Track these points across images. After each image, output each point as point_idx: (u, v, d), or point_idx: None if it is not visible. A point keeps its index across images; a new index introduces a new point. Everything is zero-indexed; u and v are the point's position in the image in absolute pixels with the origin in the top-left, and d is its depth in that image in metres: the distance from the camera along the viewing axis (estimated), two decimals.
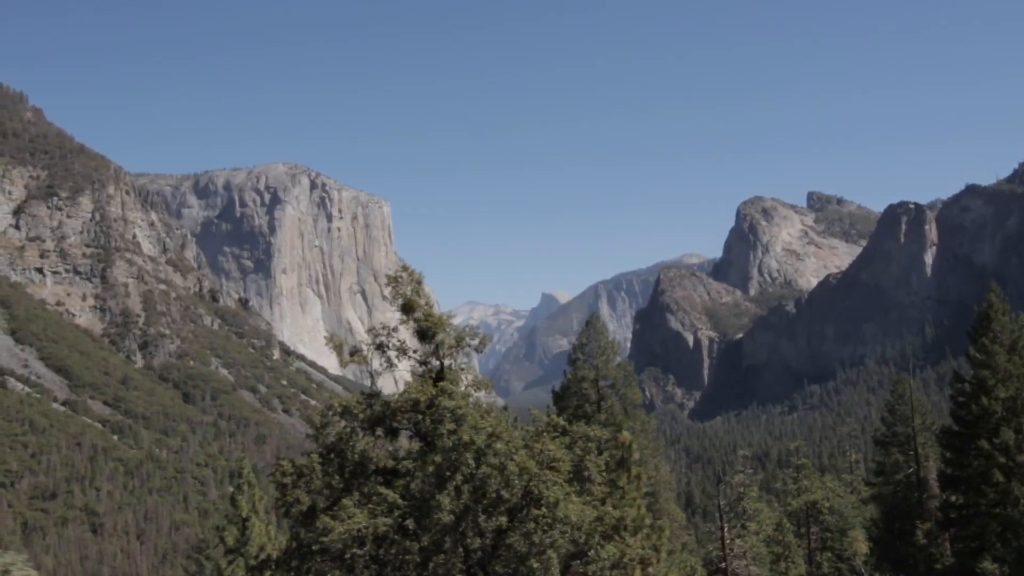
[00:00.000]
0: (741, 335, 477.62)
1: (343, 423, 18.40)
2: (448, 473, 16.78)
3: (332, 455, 18.29)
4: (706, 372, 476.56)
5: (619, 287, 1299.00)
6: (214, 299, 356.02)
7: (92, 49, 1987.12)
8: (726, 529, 50.36)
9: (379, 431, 18.16)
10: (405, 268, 18.57)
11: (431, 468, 16.81)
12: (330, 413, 18.34)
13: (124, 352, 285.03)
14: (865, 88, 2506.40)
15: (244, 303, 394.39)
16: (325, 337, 20.33)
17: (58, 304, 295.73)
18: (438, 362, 18.49)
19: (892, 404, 58.53)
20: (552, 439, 17.65)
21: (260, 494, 39.67)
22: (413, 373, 19.94)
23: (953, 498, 38.02)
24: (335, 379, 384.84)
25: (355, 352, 18.55)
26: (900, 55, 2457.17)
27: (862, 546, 38.51)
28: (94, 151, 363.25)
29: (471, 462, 16.73)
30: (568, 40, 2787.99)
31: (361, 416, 18.22)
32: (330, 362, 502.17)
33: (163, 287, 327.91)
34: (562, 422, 18.26)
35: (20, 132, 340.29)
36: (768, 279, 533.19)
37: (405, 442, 18.87)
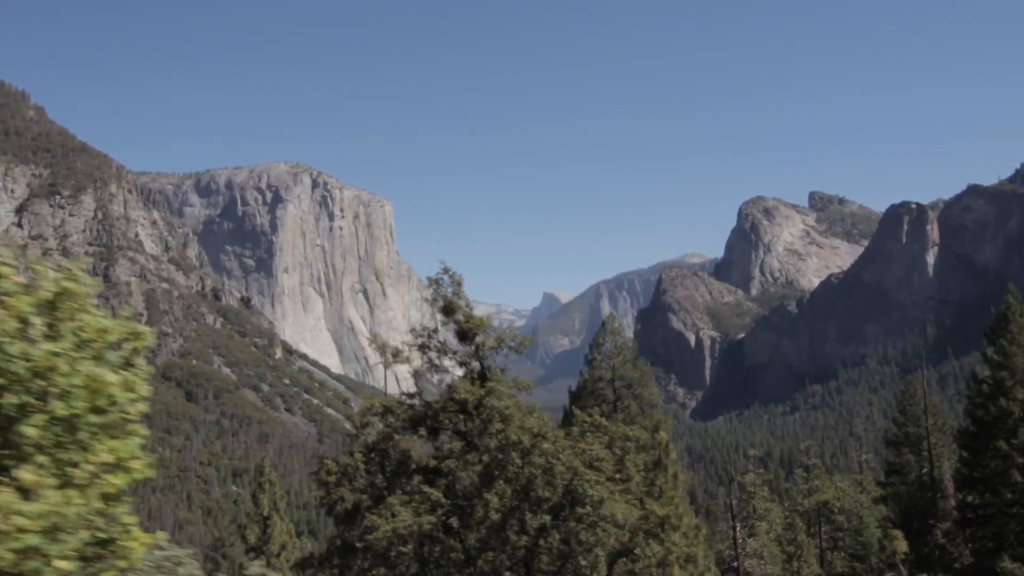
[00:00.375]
0: (743, 335, 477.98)
1: (383, 423, 18.61)
2: (496, 472, 17.01)
3: (373, 454, 18.51)
4: (708, 372, 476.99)
5: (620, 287, 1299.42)
6: (216, 298, 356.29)
7: (94, 48, 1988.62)
8: (738, 528, 50.64)
9: (421, 431, 18.39)
10: (446, 270, 18.80)
11: (479, 467, 17.04)
12: (370, 413, 18.54)
13: None
14: (866, 88, 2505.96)
15: (246, 302, 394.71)
16: (368, 338, 20.50)
17: None
18: (478, 363, 18.71)
19: (903, 405, 58.73)
20: (596, 439, 17.90)
21: (281, 493, 39.92)
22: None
23: (970, 498, 38.24)
24: (337, 378, 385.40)
25: (397, 354, 18.77)
26: (901, 55, 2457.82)
27: (901, 544, 38.66)
28: (96, 149, 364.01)
29: (518, 461, 16.97)
30: (568, 40, 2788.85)
31: (403, 416, 18.44)
32: (332, 361, 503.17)
33: (165, 286, 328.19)
34: (604, 422, 18.50)
35: (22, 131, 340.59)
36: (770, 279, 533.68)
37: (445, 441, 19.07)
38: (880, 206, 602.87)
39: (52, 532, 4.38)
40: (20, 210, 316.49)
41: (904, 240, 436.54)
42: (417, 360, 18.70)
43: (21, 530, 4.25)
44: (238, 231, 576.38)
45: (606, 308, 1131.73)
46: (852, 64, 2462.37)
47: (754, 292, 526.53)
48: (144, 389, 5.15)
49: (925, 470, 50.50)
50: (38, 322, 4.83)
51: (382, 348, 19.15)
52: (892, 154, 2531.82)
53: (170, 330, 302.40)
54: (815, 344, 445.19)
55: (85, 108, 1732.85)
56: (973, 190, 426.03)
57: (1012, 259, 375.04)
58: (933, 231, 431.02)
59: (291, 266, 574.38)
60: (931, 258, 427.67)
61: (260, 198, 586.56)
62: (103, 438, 4.83)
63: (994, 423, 37.18)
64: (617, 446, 18.13)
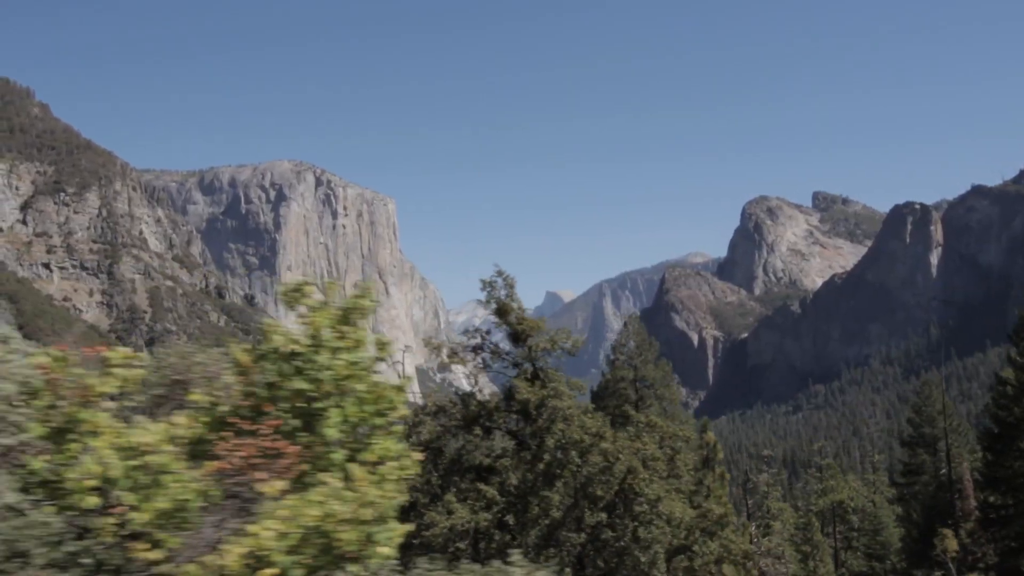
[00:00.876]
0: (746, 335, 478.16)
1: (436, 422, 18.90)
2: (558, 471, 17.32)
3: (427, 452, 18.78)
4: (711, 372, 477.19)
5: (623, 286, 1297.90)
6: (220, 295, 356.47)
7: (98, 46, 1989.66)
8: (753, 528, 50.94)
9: (476, 430, 18.68)
10: (500, 272, 19.08)
11: (541, 465, 17.36)
12: (423, 412, 18.84)
13: (131, 348, 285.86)
14: (870, 88, 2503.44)
15: (250, 300, 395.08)
16: (423, 340, 20.74)
17: (65, 300, 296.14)
18: (530, 365, 18.99)
19: (919, 406, 59.00)
20: (650, 438, 18.21)
21: None
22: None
23: (992, 499, 38.51)
24: None
25: (453, 354, 19.07)
26: (905, 55, 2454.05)
27: (952, 543, 38.95)
28: (101, 147, 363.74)
29: (577, 460, 17.28)
30: (568, 40, 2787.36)
31: (456, 415, 18.74)
32: None
33: (169, 283, 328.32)
34: (659, 421, 18.80)
35: (27, 127, 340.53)
36: (773, 279, 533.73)
37: (498, 441, 19.35)
38: (884, 206, 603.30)
39: (381, 521, 5.08)
40: (25, 207, 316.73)
41: (908, 240, 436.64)
42: (471, 363, 18.98)
43: (363, 520, 4.94)
44: (241, 229, 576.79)
45: (609, 307, 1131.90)
46: (856, 64, 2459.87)
47: (757, 292, 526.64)
48: (406, 395, 5.91)
49: (943, 471, 50.77)
50: (333, 335, 5.51)
51: (437, 349, 19.46)
52: (896, 154, 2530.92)
53: (174, 327, 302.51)
54: (818, 344, 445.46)
55: (90, 106, 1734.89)
56: (977, 190, 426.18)
57: (1016, 260, 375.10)
58: (937, 231, 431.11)
59: (294, 264, 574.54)
60: (935, 258, 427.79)
61: (263, 196, 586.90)
62: (379, 438, 5.54)
63: (1018, 424, 37.41)
64: (668, 445, 18.44)
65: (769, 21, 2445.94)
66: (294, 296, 5.67)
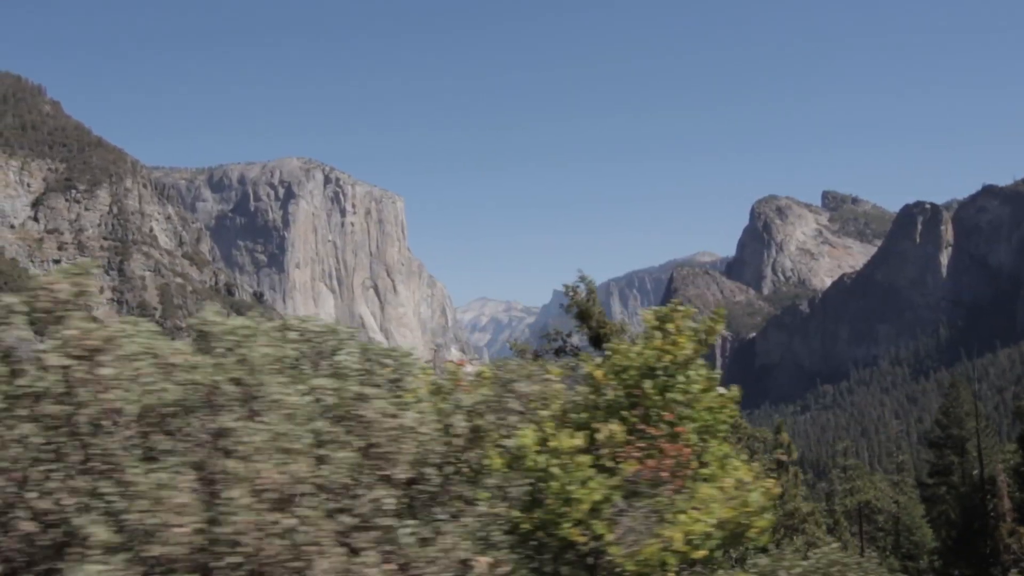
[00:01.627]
0: (754, 334, 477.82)
1: None
2: None
3: None
4: (718, 371, 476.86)
5: (631, 285, 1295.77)
6: (229, 292, 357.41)
7: (109, 44, 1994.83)
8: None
9: None
10: (583, 278, 19.45)
11: None
12: None
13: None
14: (881, 87, 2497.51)
15: (259, 297, 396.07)
16: (510, 344, 21.23)
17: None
18: None
19: (947, 407, 59.33)
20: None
21: None
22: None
23: None
24: None
25: (537, 357, 19.42)
26: (916, 54, 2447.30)
27: None
28: (112, 144, 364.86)
29: None
30: (569, 40, 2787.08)
31: None
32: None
33: (179, 280, 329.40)
34: (741, 421, 19.15)
35: (39, 125, 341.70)
36: (782, 278, 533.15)
37: None
38: (894, 206, 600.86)
39: (768, 510, 6.18)
40: (36, 204, 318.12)
41: (918, 240, 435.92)
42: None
43: (767, 509, 6.04)
44: (250, 226, 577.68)
45: (616, 306, 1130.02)
46: (866, 63, 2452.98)
47: (766, 291, 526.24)
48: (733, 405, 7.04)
49: (975, 470, 51.09)
50: (691, 353, 6.72)
51: (522, 352, 19.82)
52: (906, 154, 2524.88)
53: (184, 325, 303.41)
54: (827, 344, 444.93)
55: (101, 103, 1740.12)
56: (988, 190, 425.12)
57: None
58: (947, 231, 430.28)
59: (303, 261, 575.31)
60: (945, 258, 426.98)
61: (272, 193, 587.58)
62: (716, 441, 6.35)
63: None
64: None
65: (778, 20, 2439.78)
66: (662, 320, 6.63)
